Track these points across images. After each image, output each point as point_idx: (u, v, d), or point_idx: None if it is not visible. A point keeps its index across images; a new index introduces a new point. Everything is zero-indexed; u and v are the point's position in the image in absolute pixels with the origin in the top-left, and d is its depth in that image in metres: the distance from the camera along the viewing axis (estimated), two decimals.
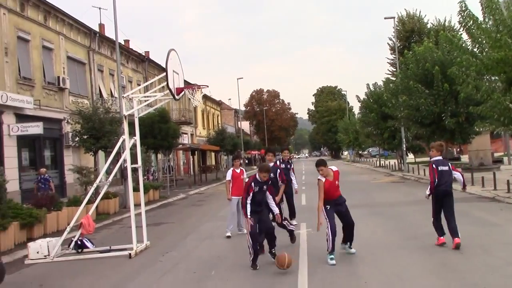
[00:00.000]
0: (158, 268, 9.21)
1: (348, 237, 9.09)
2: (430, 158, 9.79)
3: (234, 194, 11.75)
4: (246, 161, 71.18)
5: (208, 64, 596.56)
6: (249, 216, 8.44)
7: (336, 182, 8.79)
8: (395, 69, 38.54)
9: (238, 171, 11.96)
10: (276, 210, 9.15)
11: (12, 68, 20.57)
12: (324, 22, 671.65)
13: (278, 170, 10.71)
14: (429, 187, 9.47)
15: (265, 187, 8.69)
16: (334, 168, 8.97)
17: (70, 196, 19.31)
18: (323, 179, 8.61)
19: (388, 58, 47.61)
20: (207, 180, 38.66)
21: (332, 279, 7.53)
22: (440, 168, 9.30)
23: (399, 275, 7.53)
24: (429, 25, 44.60)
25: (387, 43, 47.30)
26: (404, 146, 35.50)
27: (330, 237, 8.48)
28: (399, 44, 41.59)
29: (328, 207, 8.70)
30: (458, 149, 44.75)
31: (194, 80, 50.71)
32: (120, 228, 15.60)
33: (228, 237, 11.71)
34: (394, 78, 33.20)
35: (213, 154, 55.44)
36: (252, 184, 8.52)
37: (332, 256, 8.47)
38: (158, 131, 27.70)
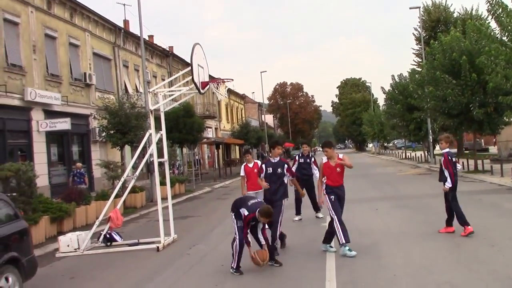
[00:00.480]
0: (186, 261, 9.29)
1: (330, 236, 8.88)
2: (441, 151, 9.85)
3: (250, 189, 11.63)
4: (270, 155, 71.09)
5: (232, 58, 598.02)
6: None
7: (338, 169, 8.77)
8: (421, 60, 37.95)
9: (251, 165, 11.37)
10: (262, 241, 8.18)
11: (40, 65, 20.92)
12: (349, 14, 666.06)
13: (286, 165, 9.36)
14: (449, 179, 9.44)
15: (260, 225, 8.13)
16: (340, 155, 8.98)
17: (98, 190, 19.62)
18: (325, 160, 8.82)
19: (414, 49, 46.92)
20: (232, 174, 38.79)
21: (360, 272, 7.49)
22: (454, 159, 9.63)
23: (428, 268, 7.45)
24: (455, 14, 43.68)
25: (413, 33, 46.60)
26: (431, 137, 35.00)
27: (340, 229, 8.44)
28: (424, 34, 40.88)
29: (333, 197, 8.66)
30: (494, 140, 43.23)
31: (217, 74, 50.80)
32: (147, 222, 15.78)
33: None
34: (420, 69, 32.70)
35: (237, 147, 55.59)
36: (250, 221, 7.94)
37: (348, 248, 8.41)
38: (183, 126, 27.89)
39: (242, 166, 11.53)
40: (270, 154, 9.73)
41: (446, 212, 9.90)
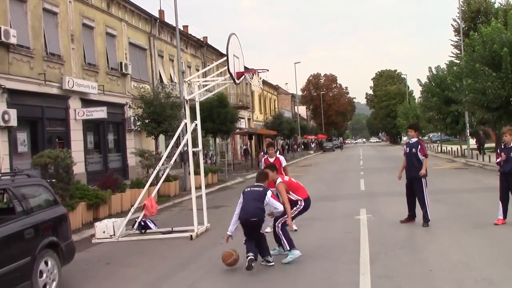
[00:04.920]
0: (219, 250, 9.30)
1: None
2: (506, 143, 9.83)
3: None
4: (302, 146, 70.94)
5: (265, 49, 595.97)
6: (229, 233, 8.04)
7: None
8: (459, 52, 37.03)
9: (272, 160, 10.73)
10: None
11: (78, 55, 21.28)
12: (384, 3, 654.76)
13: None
14: None
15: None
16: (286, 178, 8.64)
17: (133, 178, 19.91)
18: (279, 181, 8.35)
19: (452, 40, 45.70)
20: None
21: (395, 266, 7.39)
22: None
23: (466, 263, 7.29)
24: (496, 5, 42.40)
25: (451, 24, 45.38)
26: (468, 131, 34.22)
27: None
28: (464, 25, 39.83)
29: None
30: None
31: (251, 64, 50.72)
32: (180, 211, 15.95)
33: None
34: (458, 61, 31.95)
35: (269, 139, 55.52)
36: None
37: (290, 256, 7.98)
38: (217, 116, 28.01)
39: (263, 160, 11.23)
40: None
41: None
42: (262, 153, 12.07)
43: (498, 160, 9.94)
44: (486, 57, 22.57)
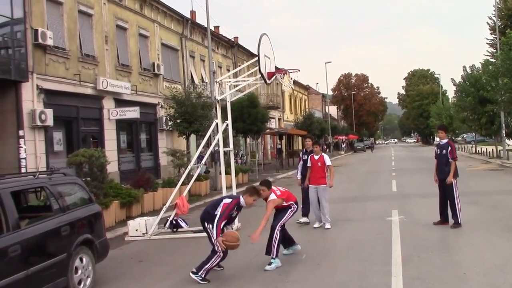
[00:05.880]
0: (249, 249, 9.35)
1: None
2: None
3: (312, 183, 11.18)
4: (332, 147, 70.48)
5: (295, 48, 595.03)
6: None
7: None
8: (495, 50, 36.20)
9: (317, 157, 11.07)
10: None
11: (111, 56, 21.66)
12: (417, 2, 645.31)
13: None
14: None
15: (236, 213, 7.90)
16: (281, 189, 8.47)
17: (164, 177, 20.14)
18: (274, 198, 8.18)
19: (487, 39, 44.80)
20: (294, 165, 38.70)
21: (428, 268, 7.29)
22: None
23: (501, 267, 7.14)
24: None
25: (487, 22, 44.53)
26: (504, 132, 33.42)
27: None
28: (500, 23, 38.94)
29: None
30: None
31: (281, 65, 50.70)
32: None
33: (306, 223, 11.64)
34: (494, 60, 31.22)
35: (300, 138, 55.38)
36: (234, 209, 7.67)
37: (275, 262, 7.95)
38: (247, 116, 28.06)
39: (309, 157, 11.36)
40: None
41: None
42: (301, 153, 12.13)
43: None
44: None
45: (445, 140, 10.63)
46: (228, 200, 7.55)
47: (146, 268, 8.68)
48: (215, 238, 7.37)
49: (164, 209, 12.12)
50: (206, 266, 7.42)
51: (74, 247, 6.89)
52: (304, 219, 11.73)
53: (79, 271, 6.96)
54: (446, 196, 10.32)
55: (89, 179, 12.53)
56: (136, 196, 14.41)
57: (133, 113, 21.13)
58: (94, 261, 7.44)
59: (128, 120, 22.13)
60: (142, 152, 24.35)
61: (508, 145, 35.53)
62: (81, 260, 7.07)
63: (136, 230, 11.48)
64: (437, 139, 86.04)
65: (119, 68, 22.25)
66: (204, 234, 10.97)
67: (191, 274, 7.44)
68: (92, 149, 13.98)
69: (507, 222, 10.55)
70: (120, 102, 21.78)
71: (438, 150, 10.63)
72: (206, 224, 7.60)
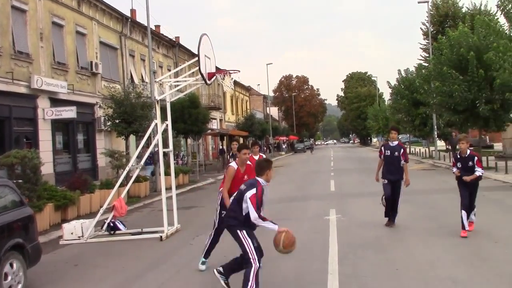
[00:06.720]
0: (189, 250, 9.34)
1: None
2: (461, 151, 9.30)
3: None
4: (274, 147, 71.18)
5: (238, 50, 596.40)
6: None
7: (245, 177, 7.63)
8: (428, 55, 37.72)
9: (256, 157, 9.30)
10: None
11: (47, 53, 20.92)
12: (355, 7, 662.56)
13: None
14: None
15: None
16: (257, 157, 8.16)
17: (102, 179, 19.67)
18: (235, 166, 7.77)
19: (421, 44, 46.59)
20: None
21: (363, 266, 7.51)
22: None
23: (431, 262, 7.46)
24: (464, 9, 43.43)
25: (420, 28, 46.33)
26: (436, 133, 34.92)
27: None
28: (432, 29, 40.61)
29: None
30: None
31: (223, 65, 50.68)
32: (151, 211, 15.84)
33: None
34: (426, 64, 32.53)
35: (241, 139, 55.60)
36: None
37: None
38: (188, 116, 27.86)
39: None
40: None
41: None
42: (228, 155, 11.82)
43: (454, 170, 9.49)
44: (453, 60, 23.07)
45: (396, 142, 10.58)
46: (251, 192, 6.20)
47: (81, 272, 8.44)
48: (274, 229, 6.22)
49: (101, 211, 11.81)
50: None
51: (3, 252, 6.60)
52: None
53: (9, 277, 6.69)
54: (395, 196, 10.55)
55: (21, 181, 12.05)
56: (71, 198, 13.98)
57: (69, 113, 20.50)
58: (26, 266, 7.16)
59: (64, 120, 21.46)
60: (79, 153, 23.66)
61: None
62: (11, 265, 6.79)
63: (72, 233, 11.14)
64: (374, 139, 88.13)
65: (55, 66, 21.53)
66: (141, 236, 10.84)
67: None
68: (25, 150, 13.45)
69: (438, 219, 11.04)
70: (56, 101, 21.08)
71: (388, 151, 10.49)
72: (238, 232, 6.35)
